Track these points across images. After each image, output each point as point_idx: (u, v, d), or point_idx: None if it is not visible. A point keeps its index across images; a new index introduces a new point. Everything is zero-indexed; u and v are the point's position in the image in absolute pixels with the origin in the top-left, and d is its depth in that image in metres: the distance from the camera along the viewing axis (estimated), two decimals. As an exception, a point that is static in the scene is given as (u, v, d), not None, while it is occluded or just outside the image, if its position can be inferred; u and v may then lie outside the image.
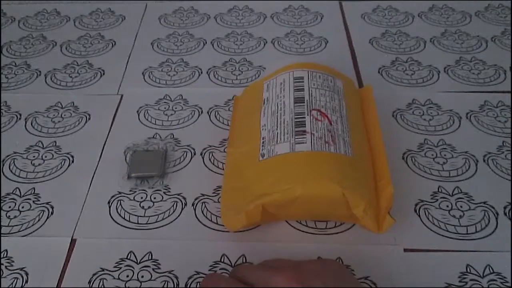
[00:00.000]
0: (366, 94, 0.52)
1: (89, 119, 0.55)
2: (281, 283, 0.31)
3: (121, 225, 0.43)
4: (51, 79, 0.61)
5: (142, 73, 0.61)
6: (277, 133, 0.43)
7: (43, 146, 0.51)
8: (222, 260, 0.40)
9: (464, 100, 0.56)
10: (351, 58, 0.62)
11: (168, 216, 0.44)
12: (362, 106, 0.50)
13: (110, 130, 0.53)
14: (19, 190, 0.47)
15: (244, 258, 0.40)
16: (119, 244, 0.42)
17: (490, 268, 0.39)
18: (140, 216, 0.44)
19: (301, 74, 0.48)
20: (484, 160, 0.48)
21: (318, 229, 0.43)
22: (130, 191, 0.46)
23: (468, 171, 0.47)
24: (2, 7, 0.76)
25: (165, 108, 0.56)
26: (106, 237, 0.42)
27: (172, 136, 0.52)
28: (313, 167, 0.40)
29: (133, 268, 0.40)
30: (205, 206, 0.45)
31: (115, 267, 0.40)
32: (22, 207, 0.45)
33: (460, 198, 0.45)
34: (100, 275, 0.39)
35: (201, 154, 0.50)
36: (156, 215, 0.44)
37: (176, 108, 0.56)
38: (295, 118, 0.44)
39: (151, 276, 0.39)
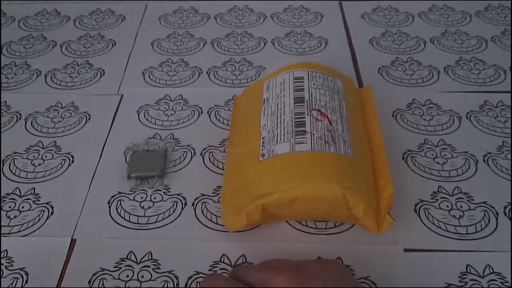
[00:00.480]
0: (366, 94, 0.52)
1: (89, 119, 0.55)
2: (281, 283, 0.31)
3: (121, 225, 0.43)
4: (51, 79, 0.61)
5: (142, 73, 0.61)
6: (277, 133, 0.43)
7: (43, 146, 0.51)
8: (222, 260, 0.40)
9: (464, 100, 0.56)
10: (351, 58, 0.62)
11: (168, 216, 0.44)
12: (362, 106, 0.50)
13: (110, 130, 0.53)
14: (19, 190, 0.47)
15: (244, 258, 0.40)
16: (119, 244, 0.42)
17: (490, 268, 0.39)
18: (140, 216, 0.44)
19: (301, 74, 0.48)
20: (484, 160, 0.48)
21: (318, 229, 0.43)
22: (130, 191, 0.46)
23: (468, 171, 0.47)
24: (2, 7, 0.76)
25: (165, 108, 0.56)
26: (106, 237, 0.42)
27: (172, 136, 0.52)
28: (313, 167, 0.40)
29: (133, 268, 0.40)
30: (205, 206, 0.45)
31: (115, 267, 0.40)
32: (22, 207, 0.45)
33: (460, 198, 0.45)
34: (100, 275, 0.39)
35: (201, 154, 0.50)
36: (156, 215, 0.44)
37: (176, 108, 0.56)
38: (295, 118, 0.44)
39: (151, 276, 0.39)
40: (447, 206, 0.44)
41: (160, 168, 0.47)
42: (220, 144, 0.51)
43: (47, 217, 0.44)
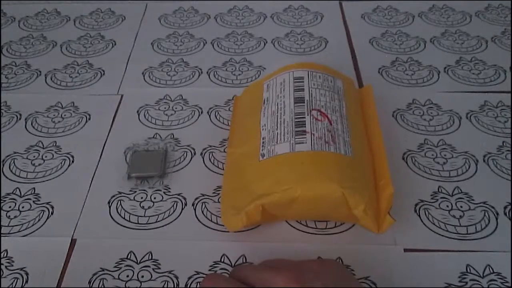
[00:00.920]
0: (366, 94, 0.52)
1: (89, 119, 0.55)
2: (281, 283, 0.31)
3: (121, 225, 0.43)
4: (51, 79, 0.61)
5: (142, 73, 0.61)
6: (277, 133, 0.43)
7: (43, 146, 0.51)
8: (222, 260, 0.40)
9: (464, 100, 0.56)
10: (351, 58, 0.62)
11: (168, 216, 0.44)
12: (362, 106, 0.50)
13: (110, 130, 0.53)
14: (19, 190, 0.47)
15: (244, 258, 0.40)
16: (119, 244, 0.42)
17: (490, 268, 0.39)
18: (140, 216, 0.44)
19: (301, 74, 0.48)
20: (484, 160, 0.48)
21: (318, 229, 0.43)
22: (130, 191, 0.46)
23: (468, 171, 0.47)
24: (2, 7, 0.76)
25: (165, 108, 0.56)
26: (106, 237, 0.42)
27: (172, 136, 0.52)
28: (313, 167, 0.40)
29: (133, 268, 0.40)
30: (205, 206, 0.45)
31: (115, 267, 0.40)
32: (22, 207, 0.45)
33: (460, 198, 0.45)
34: (100, 275, 0.40)
35: (201, 154, 0.50)
36: (156, 215, 0.44)
37: (176, 108, 0.56)
38: (295, 118, 0.44)
39: (151, 276, 0.39)
40: (447, 206, 0.44)
41: (160, 168, 0.47)
42: (220, 144, 0.51)
43: (47, 217, 0.44)
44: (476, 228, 0.42)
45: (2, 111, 0.56)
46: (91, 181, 0.47)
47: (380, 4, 0.73)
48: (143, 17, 0.73)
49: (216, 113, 0.55)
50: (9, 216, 0.44)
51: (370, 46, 0.65)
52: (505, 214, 0.43)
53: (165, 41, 0.67)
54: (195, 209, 0.45)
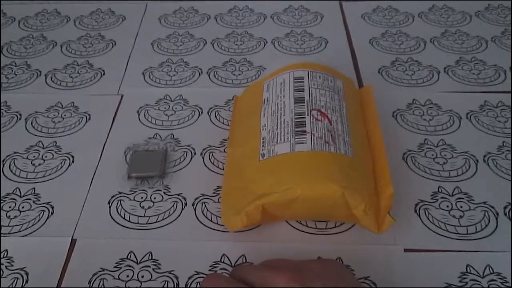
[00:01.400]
0: (366, 94, 0.52)
1: (89, 119, 0.55)
2: (282, 283, 0.31)
3: (121, 225, 0.43)
4: (51, 79, 0.61)
5: (142, 73, 0.61)
6: (277, 133, 0.43)
7: (43, 146, 0.51)
8: (222, 260, 0.40)
9: (464, 100, 0.56)
10: (351, 58, 0.62)
11: (168, 216, 0.44)
12: (362, 106, 0.50)
13: (110, 130, 0.53)
14: (19, 190, 0.47)
15: (244, 258, 0.40)
16: (119, 244, 0.42)
17: (490, 268, 0.39)
18: (140, 216, 0.44)
19: (301, 74, 0.48)
20: (484, 160, 0.48)
21: (318, 229, 0.43)
22: (130, 191, 0.46)
23: (468, 171, 0.47)
24: (2, 7, 0.76)
25: (165, 108, 0.56)
26: (106, 237, 0.42)
27: (172, 136, 0.52)
28: (313, 167, 0.40)
29: (133, 268, 0.40)
30: (205, 206, 0.45)
31: (115, 267, 0.40)
32: (22, 207, 0.45)
33: (460, 198, 0.45)
34: (100, 275, 0.40)
35: (201, 154, 0.50)
36: (156, 215, 0.44)
37: (176, 108, 0.56)
38: (295, 118, 0.44)
39: (151, 276, 0.39)
40: (447, 206, 0.44)
41: (160, 168, 0.47)
42: (220, 144, 0.51)
43: (47, 217, 0.44)
44: (476, 228, 0.42)
45: (2, 111, 0.56)
46: (91, 181, 0.47)
47: (380, 4, 0.73)
48: (143, 17, 0.73)
49: (216, 113, 0.55)
50: (9, 216, 0.44)
51: (370, 46, 0.65)
52: (505, 214, 0.43)
53: (165, 41, 0.67)
54: (195, 209, 0.45)
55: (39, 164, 0.49)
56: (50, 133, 0.53)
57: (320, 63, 0.51)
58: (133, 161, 0.49)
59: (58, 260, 0.41)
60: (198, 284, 0.39)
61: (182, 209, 0.45)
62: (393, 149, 0.49)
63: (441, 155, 0.49)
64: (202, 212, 0.44)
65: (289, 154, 0.41)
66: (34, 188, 0.47)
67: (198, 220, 0.44)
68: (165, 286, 0.39)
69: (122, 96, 0.58)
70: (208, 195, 0.46)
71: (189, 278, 0.39)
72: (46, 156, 0.50)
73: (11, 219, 0.44)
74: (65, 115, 0.55)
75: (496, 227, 0.42)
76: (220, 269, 0.40)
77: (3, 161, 0.50)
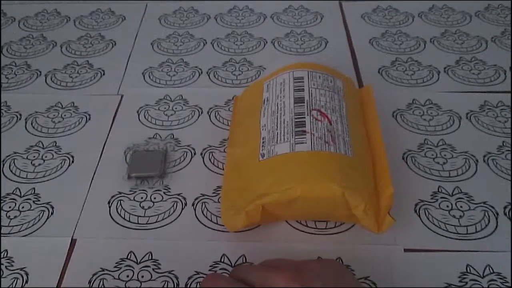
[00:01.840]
0: (366, 94, 0.52)
1: (89, 119, 0.55)
2: (281, 283, 0.31)
3: (121, 225, 0.43)
4: (51, 79, 0.61)
5: (142, 73, 0.61)
6: (277, 133, 0.43)
7: (43, 146, 0.51)
8: (222, 260, 0.40)
9: (464, 100, 0.56)
10: (351, 58, 0.62)
11: (168, 216, 0.44)
12: (362, 106, 0.50)
13: (110, 130, 0.53)
14: (19, 190, 0.47)
15: (244, 258, 0.40)
16: (119, 244, 0.42)
17: (490, 268, 0.39)
18: (140, 216, 0.44)
19: (301, 74, 0.48)
20: (484, 160, 0.48)
21: (318, 229, 0.43)
22: (130, 191, 0.46)
23: (468, 171, 0.47)
24: (2, 7, 0.76)
25: (165, 108, 0.56)
26: (106, 237, 0.42)
27: (172, 136, 0.52)
28: (313, 167, 0.40)
29: (133, 268, 0.40)
30: (205, 206, 0.45)
31: (115, 267, 0.40)
32: (22, 207, 0.45)
33: (460, 198, 0.45)
34: (100, 275, 0.39)
35: (201, 154, 0.50)
36: (156, 215, 0.44)
37: (176, 108, 0.56)
38: (295, 118, 0.44)
39: (151, 276, 0.39)
40: (447, 206, 0.44)
41: (160, 168, 0.47)
42: (220, 144, 0.51)
43: (47, 217, 0.44)
44: (476, 228, 0.42)
45: (2, 111, 0.56)
46: (91, 181, 0.47)
47: (380, 4, 0.73)
48: (143, 17, 0.73)
49: (216, 113, 0.55)
50: (9, 216, 0.44)
51: (370, 46, 0.65)
52: (505, 214, 0.43)
53: (165, 41, 0.67)
54: (195, 209, 0.45)
55: (39, 164, 0.49)
56: (50, 133, 0.53)
57: (320, 63, 0.51)
58: (133, 161, 0.49)
59: (58, 260, 0.41)
60: (198, 284, 0.39)
61: (182, 209, 0.45)
62: (393, 149, 0.49)
63: (441, 155, 0.49)
64: (202, 212, 0.44)
65: (289, 154, 0.41)
66: (34, 188, 0.47)
67: (198, 220, 0.44)
68: (165, 286, 0.39)
69: (122, 96, 0.58)
70: (208, 195, 0.46)
71: (189, 278, 0.39)
72: (46, 156, 0.50)
73: (11, 219, 0.44)
74: (65, 115, 0.55)
75: (496, 227, 0.42)
76: (220, 269, 0.40)
77: (3, 161, 0.50)
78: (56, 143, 0.52)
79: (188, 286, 0.39)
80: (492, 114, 0.53)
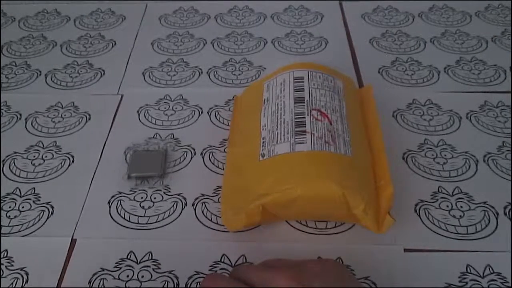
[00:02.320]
0: (366, 94, 0.52)
1: (89, 119, 0.55)
2: (281, 282, 0.31)
3: (121, 225, 0.43)
4: (51, 79, 0.61)
5: (142, 73, 0.61)
6: (277, 133, 0.43)
7: (43, 146, 0.51)
8: (222, 260, 0.40)
9: (464, 100, 0.56)
10: (351, 58, 0.62)
11: (168, 216, 0.44)
12: (362, 106, 0.50)
13: (110, 130, 0.53)
14: (19, 190, 0.47)
15: (244, 258, 0.40)
16: (119, 244, 0.42)
17: (490, 268, 0.39)
18: (140, 216, 0.44)
19: (301, 74, 0.48)
20: (484, 160, 0.48)
21: (318, 229, 0.43)
22: (130, 191, 0.46)
23: (468, 171, 0.47)
24: (2, 7, 0.76)
25: (165, 108, 0.56)
26: (106, 237, 0.42)
27: (172, 136, 0.52)
28: (313, 167, 0.40)
29: (133, 268, 0.40)
30: (205, 206, 0.45)
31: (115, 267, 0.40)
32: (22, 207, 0.45)
33: (460, 198, 0.45)
34: (100, 275, 0.40)
35: (201, 154, 0.50)
36: (156, 215, 0.44)
37: (176, 108, 0.56)
38: (295, 118, 0.44)
39: (151, 276, 0.39)
40: (447, 206, 0.44)
41: (160, 168, 0.47)
42: (220, 144, 0.51)
43: (47, 217, 0.44)
44: (476, 228, 0.42)
45: (2, 111, 0.56)
46: (91, 181, 0.47)
47: (380, 4, 0.73)
48: (143, 17, 0.73)
49: (216, 113, 0.55)
50: (9, 216, 0.44)
51: (370, 46, 0.65)
52: (505, 214, 0.43)
53: (165, 41, 0.67)
54: (195, 209, 0.45)
55: (39, 164, 0.49)
56: (50, 133, 0.53)
57: (320, 63, 0.51)
58: (133, 161, 0.49)
59: (58, 260, 0.41)
60: (198, 284, 0.39)
61: (182, 209, 0.45)
62: (393, 149, 0.49)
63: (441, 155, 0.49)
64: (202, 212, 0.44)
65: (289, 154, 0.41)
66: (34, 188, 0.47)
67: (198, 220, 0.44)
68: (165, 286, 0.39)
69: (122, 96, 0.58)
70: (208, 195, 0.46)
71: (189, 278, 0.39)
72: (46, 156, 0.50)
73: (11, 219, 0.44)
74: (65, 115, 0.55)
75: (496, 227, 0.42)
76: (220, 269, 0.40)
77: (3, 161, 0.50)
78: (56, 143, 0.52)
79: (188, 286, 0.39)
80: (492, 114, 0.53)
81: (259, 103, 0.48)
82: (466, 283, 0.38)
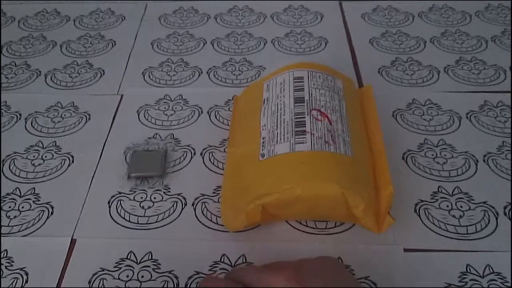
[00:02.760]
0: (366, 94, 0.52)
1: (89, 119, 0.55)
2: (280, 283, 0.31)
3: (121, 225, 0.43)
4: (51, 79, 0.61)
5: (142, 73, 0.61)
6: (277, 133, 0.43)
7: (43, 146, 0.51)
8: (222, 260, 0.40)
9: (464, 100, 0.56)
10: (351, 58, 0.62)
11: (168, 216, 0.44)
12: (362, 106, 0.50)
13: (110, 130, 0.53)
14: (19, 190, 0.47)
15: (244, 258, 0.40)
16: (119, 244, 0.42)
17: (490, 268, 0.39)
18: (140, 216, 0.44)
19: (301, 74, 0.48)
20: (484, 160, 0.48)
21: (318, 229, 0.43)
22: (130, 191, 0.46)
23: (468, 171, 0.47)
24: (2, 7, 0.76)
25: (165, 108, 0.56)
26: (106, 237, 0.42)
27: (172, 136, 0.52)
28: (313, 167, 0.40)
29: (133, 268, 0.40)
30: (205, 206, 0.45)
31: (115, 267, 0.40)
32: (22, 207, 0.45)
33: (460, 198, 0.45)
34: (100, 275, 0.40)
35: (201, 154, 0.50)
36: (156, 215, 0.44)
37: (176, 108, 0.56)
38: (295, 118, 0.44)
39: (151, 276, 0.39)
40: (447, 206, 0.44)
41: (160, 168, 0.47)
42: (220, 144, 0.51)
43: (47, 217, 0.44)
44: (476, 228, 0.42)
45: (2, 111, 0.56)
46: (91, 181, 0.47)
47: (380, 4, 0.73)
48: (143, 17, 0.73)
49: (216, 113, 0.55)
50: (9, 216, 0.44)
51: (370, 46, 0.65)
52: (505, 214, 0.43)
53: (165, 41, 0.67)
54: (195, 209, 0.45)
55: (39, 164, 0.49)
56: (50, 133, 0.53)
57: (320, 63, 0.51)
58: (133, 161, 0.49)
59: (58, 260, 0.41)
60: (198, 284, 0.39)
61: (182, 209, 0.45)
62: (393, 149, 0.49)
63: (441, 155, 0.49)
64: (202, 212, 0.44)
65: (289, 154, 0.41)
66: (34, 188, 0.47)
67: (198, 220, 0.44)
68: (165, 286, 0.39)
69: (122, 96, 0.58)
70: (208, 195, 0.46)
71: (189, 278, 0.39)
72: (46, 156, 0.50)
73: (11, 219, 0.44)
74: (65, 115, 0.55)
75: (496, 227, 0.42)
76: (220, 269, 0.40)
77: (3, 161, 0.50)
78: (56, 143, 0.52)
79: (188, 286, 0.39)
80: (492, 114, 0.53)
81: (259, 103, 0.48)
82: (466, 283, 0.38)
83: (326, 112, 0.44)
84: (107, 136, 0.52)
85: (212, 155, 0.50)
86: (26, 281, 0.39)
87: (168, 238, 0.42)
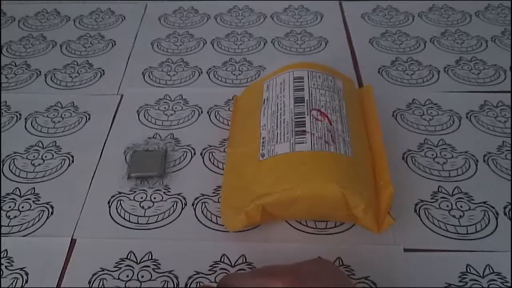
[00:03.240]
0: (366, 94, 0.52)
1: (89, 119, 0.55)
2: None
3: (121, 225, 0.43)
4: (51, 79, 0.61)
5: (142, 73, 0.61)
6: (277, 133, 0.43)
7: (43, 146, 0.51)
8: (222, 260, 0.40)
9: (464, 100, 0.56)
10: (351, 58, 0.62)
11: (168, 216, 0.44)
12: (362, 106, 0.50)
13: (110, 130, 0.53)
14: (19, 190, 0.47)
15: (244, 258, 0.40)
16: (119, 244, 0.42)
17: (490, 268, 0.39)
18: (140, 216, 0.44)
19: (301, 74, 0.48)
20: (484, 160, 0.48)
21: (318, 229, 0.43)
22: (130, 191, 0.46)
23: (468, 171, 0.47)
24: (2, 7, 0.76)
25: (165, 108, 0.56)
26: (106, 237, 0.42)
27: (172, 136, 0.52)
28: (313, 167, 0.40)
29: (133, 268, 0.40)
30: (205, 206, 0.45)
31: (115, 267, 0.40)
32: (22, 207, 0.45)
33: (460, 198, 0.45)
34: (100, 275, 0.39)
35: (201, 154, 0.50)
36: (156, 215, 0.44)
37: (176, 108, 0.56)
38: (295, 118, 0.44)
39: (151, 276, 0.39)
40: (447, 206, 0.44)
41: (160, 168, 0.47)
42: (220, 144, 0.51)
43: (47, 217, 0.44)
44: (476, 228, 0.42)
45: (2, 111, 0.56)
46: (91, 181, 0.47)
47: (380, 4, 0.73)
48: (143, 17, 0.73)
49: (216, 113, 0.55)
50: (9, 216, 0.44)
51: (370, 46, 0.65)
52: (505, 214, 0.43)
53: (165, 41, 0.67)
54: (195, 209, 0.45)
55: (39, 164, 0.49)
56: (50, 133, 0.53)
57: (320, 63, 0.51)
58: (133, 161, 0.49)
59: (58, 260, 0.41)
60: (198, 284, 0.39)
61: (182, 209, 0.45)
62: (393, 149, 0.49)
63: (441, 155, 0.49)
64: (202, 212, 0.44)
65: (289, 154, 0.41)
66: (34, 188, 0.47)
67: (198, 220, 0.44)
68: (165, 286, 0.39)
69: (122, 96, 0.58)
70: (208, 195, 0.46)
71: (189, 278, 0.39)
72: (46, 156, 0.50)
73: (11, 219, 0.44)
74: (65, 115, 0.55)
75: (496, 227, 0.42)
76: (220, 269, 0.40)
77: (3, 161, 0.50)
78: (56, 143, 0.52)
79: (188, 286, 0.39)
80: (492, 114, 0.53)
81: (259, 103, 0.48)
82: (466, 283, 0.38)
83: (326, 112, 0.44)
84: (107, 136, 0.52)
85: (212, 155, 0.50)
86: (26, 281, 0.39)
87: (168, 238, 0.42)
